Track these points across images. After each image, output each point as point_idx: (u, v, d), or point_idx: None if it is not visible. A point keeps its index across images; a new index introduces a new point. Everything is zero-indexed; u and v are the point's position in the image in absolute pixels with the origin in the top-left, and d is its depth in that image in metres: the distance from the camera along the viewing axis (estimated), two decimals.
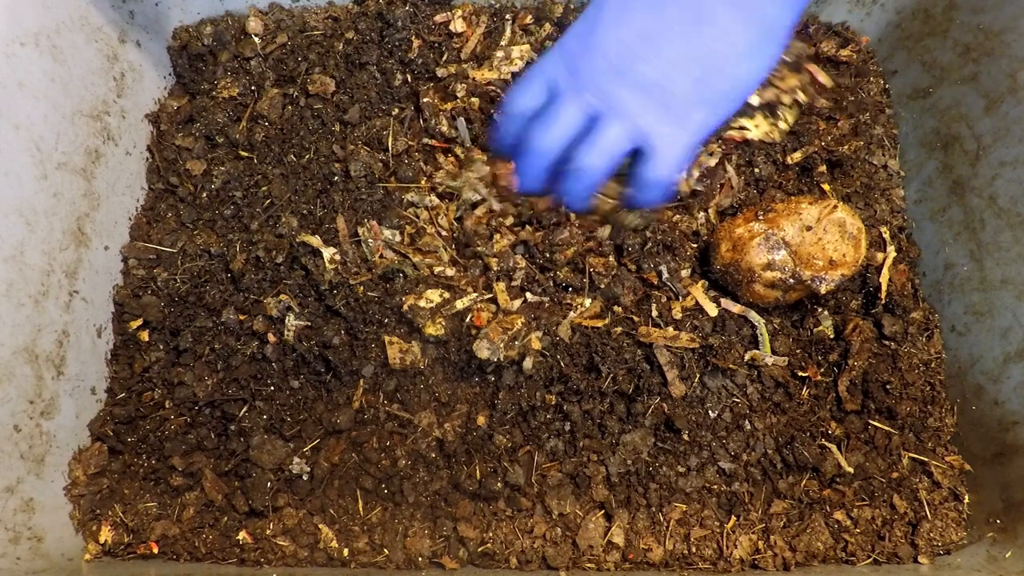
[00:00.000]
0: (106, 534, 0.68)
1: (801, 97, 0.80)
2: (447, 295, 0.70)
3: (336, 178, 0.76)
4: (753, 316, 0.71)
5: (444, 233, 0.74)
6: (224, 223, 0.77)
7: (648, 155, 0.58)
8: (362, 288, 0.70)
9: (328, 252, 0.71)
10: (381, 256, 0.72)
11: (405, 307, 0.69)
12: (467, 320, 0.69)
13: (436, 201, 0.74)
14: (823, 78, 0.81)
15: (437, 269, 0.71)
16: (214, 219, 0.77)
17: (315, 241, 0.72)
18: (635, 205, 0.62)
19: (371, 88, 0.79)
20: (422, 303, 0.69)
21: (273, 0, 0.85)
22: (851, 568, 0.67)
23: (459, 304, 0.69)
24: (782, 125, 0.77)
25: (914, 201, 0.80)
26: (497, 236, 0.72)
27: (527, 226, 0.73)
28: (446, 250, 0.73)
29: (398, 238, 0.73)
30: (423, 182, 0.76)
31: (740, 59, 0.54)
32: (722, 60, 0.54)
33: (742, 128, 0.77)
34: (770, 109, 0.78)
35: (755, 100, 0.78)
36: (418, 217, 0.74)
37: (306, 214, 0.75)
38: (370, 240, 0.72)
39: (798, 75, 0.81)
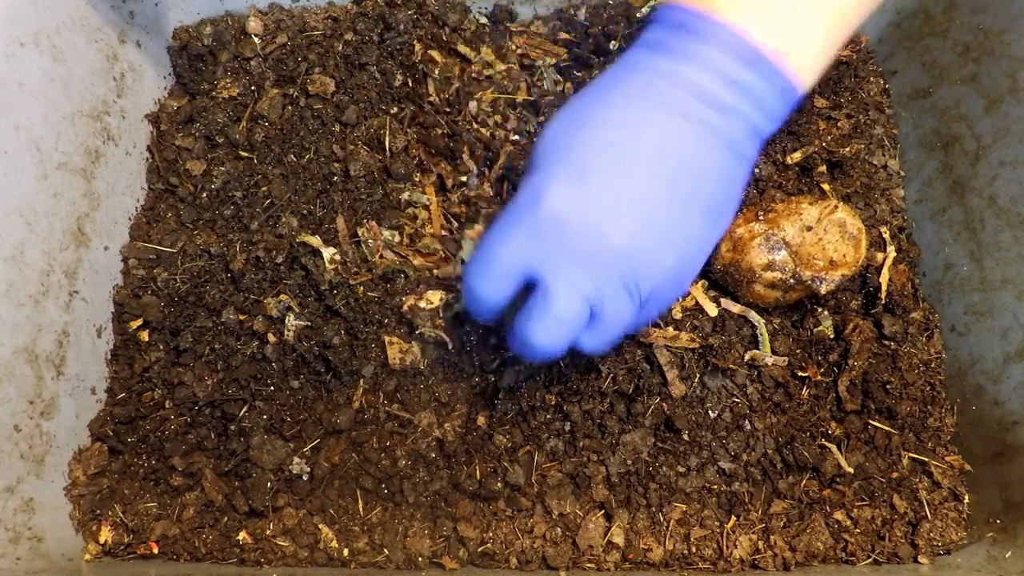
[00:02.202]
0: (106, 534, 0.68)
1: None
2: (448, 296, 0.70)
3: (336, 178, 0.76)
4: (753, 316, 0.71)
5: (444, 234, 0.74)
6: (224, 223, 0.77)
7: (588, 327, 0.50)
8: (362, 288, 0.70)
9: (328, 252, 0.71)
10: (381, 256, 0.72)
11: (405, 308, 0.69)
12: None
13: (433, 199, 0.74)
14: None
15: (437, 271, 0.71)
16: (214, 219, 0.77)
17: (315, 241, 0.72)
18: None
19: (371, 88, 0.79)
20: (423, 304, 0.69)
21: (273, 0, 0.86)
22: (851, 568, 0.67)
23: (458, 306, 0.69)
24: None
25: (914, 201, 0.80)
26: None
27: None
28: (445, 251, 0.73)
29: (397, 239, 0.73)
30: (419, 177, 0.75)
31: (727, 212, 0.50)
32: (712, 202, 0.49)
33: None
34: None
35: None
36: (416, 218, 0.74)
37: (306, 214, 0.75)
38: (370, 241, 0.72)
39: None
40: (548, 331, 0.48)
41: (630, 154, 0.47)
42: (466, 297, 0.51)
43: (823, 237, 0.67)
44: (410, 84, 0.80)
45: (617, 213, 0.47)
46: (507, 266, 0.48)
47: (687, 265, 0.50)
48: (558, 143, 0.49)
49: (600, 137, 0.48)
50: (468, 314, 0.59)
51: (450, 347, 0.69)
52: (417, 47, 0.81)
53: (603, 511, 0.68)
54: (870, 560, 0.67)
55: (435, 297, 0.69)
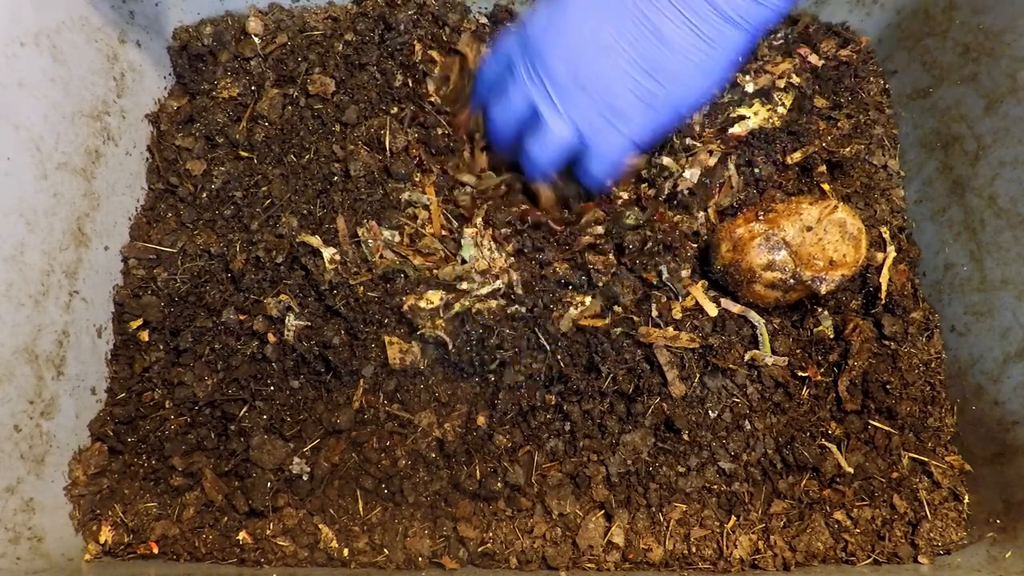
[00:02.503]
0: (106, 534, 0.68)
1: (795, 80, 0.80)
2: (448, 296, 0.70)
3: (336, 178, 0.76)
4: (753, 316, 0.71)
5: (444, 234, 0.74)
6: (224, 223, 0.77)
7: (588, 152, 0.63)
8: (362, 288, 0.70)
9: (328, 252, 0.71)
10: (381, 256, 0.72)
11: (405, 308, 0.69)
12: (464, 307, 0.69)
13: (434, 199, 0.74)
14: (815, 60, 0.81)
15: (437, 271, 0.71)
16: (214, 219, 0.77)
17: (315, 241, 0.72)
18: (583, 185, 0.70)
19: (371, 88, 0.79)
20: (423, 304, 0.69)
21: (273, 0, 0.85)
22: (851, 568, 0.67)
23: (458, 306, 0.69)
24: (780, 110, 0.77)
25: (914, 201, 0.80)
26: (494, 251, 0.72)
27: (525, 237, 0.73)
28: (445, 251, 0.73)
29: (397, 239, 0.73)
30: (419, 177, 0.75)
31: (690, 77, 0.57)
32: (666, 76, 0.57)
33: (742, 118, 0.77)
34: (766, 95, 0.78)
35: (750, 87, 0.78)
36: (416, 218, 0.74)
37: (306, 214, 0.75)
38: (370, 241, 0.72)
39: (789, 59, 0.81)
40: (503, 116, 0.66)
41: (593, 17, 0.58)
42: (477, 82, 0.69)
43: (823, 237, 0.67)
44: (410, 84, 0.80)
45: (560, 51, 0.59)
46: (499, 53, 0.66)
47: (654, 98, 0.60)
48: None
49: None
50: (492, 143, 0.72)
51: (451, 347, 0.69)
52: (417, 47, 0.81)
53: (603, 511, 0.68)
54: (870, 560, 0.67)
55: (435, 297, 0.69)
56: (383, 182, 0.75)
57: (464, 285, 0.70)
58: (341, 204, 0.75)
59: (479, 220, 0.73)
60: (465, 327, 0.69)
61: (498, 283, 0.70)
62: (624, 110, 0.59)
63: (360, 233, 0.72)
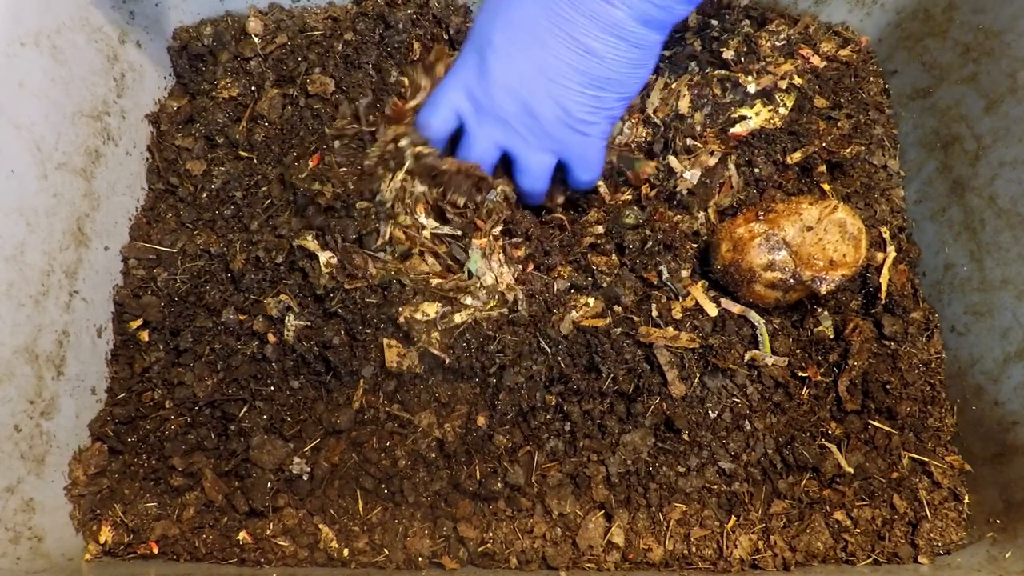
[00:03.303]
0: (106, 534, 0.68)
1: (797, 81, 0.80)
2: (445, 309, 0.69)
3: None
4: (753, 316, 0.71)
5: (444, 248, 0.73)
6: (224, 223, 0.77)
7: (572, 165, 0.68)
8: (359, 294, 0.69)
9: (324, 256, 0.71)
10: (375, 267, 0.71)
11: (401, 319, 0.68)
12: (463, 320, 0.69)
13: (425, 222, 0.72)
14: (816, 61, 0.81)
15: (434, 282, 0.70)
16: (214, 219, 0.77)
17: (312, 245, 0.71)
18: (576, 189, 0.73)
19: (369, 88, 0.79)
20: (419, 316, 0.68)
21: (273, 0, 0.86)
22: (851, 568, 0.67)
23: (457, 318, 0.69)
24: (782, 111, 0.77)
25: (914, 201, 0.80)
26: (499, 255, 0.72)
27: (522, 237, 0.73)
28: (447, 259, 0.72)
29: (387, 256, 0.71)
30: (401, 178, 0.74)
31: (625, 78, 0.63)
32: (610, 82, 0.62)
33: (743, 118, 0.77)
34: (768, 96, 0.78)
35: (752, 88, 0.78)
36: (405, 232, 0.72)
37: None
38: (355, 258, 0.71)
39: (791, 60, 0.81)
40: (473, 155, 0.68)
41: (526, 39, 0.62)
42: (418, 126, 0.69)
43: (823, 237, 0.67)
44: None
45: (503, 85, 0.63)
46: (440, 104, 0.67)
47: (574, 124, 0.65)
48: (484, 15, 0.65)
49: (511, 17, 0.62)
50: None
51: (447, 362, 0.68)
52: (416, 47, 0.81)
53: (603, 511, 0.68)
54: (870, 560, 0.67)
55: (431, 309, 0.69)
56: (371, 197, 0.74)
57: (468, 300, 0.70)
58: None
59: (495, 229, 0.72)
60: (465, 335, 0.69)
61: (504, 308, 0.70)
62: (585, 119, 0.64)
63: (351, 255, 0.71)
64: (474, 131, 0.67)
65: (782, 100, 0.78)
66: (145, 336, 0.74)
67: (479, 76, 0.64)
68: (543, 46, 0.61)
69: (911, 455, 0.70)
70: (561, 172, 0.70)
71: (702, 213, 0.76)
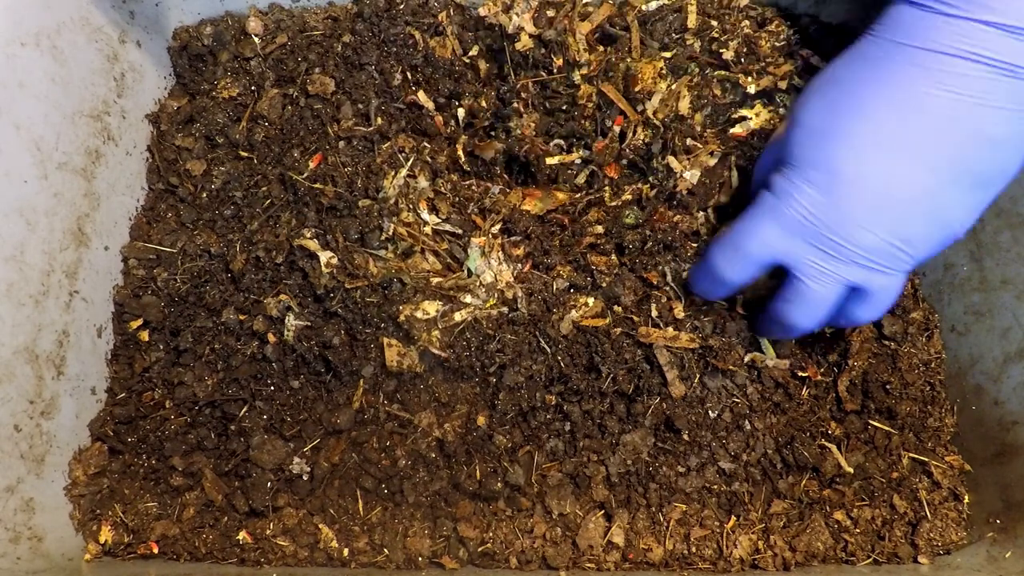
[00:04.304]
0: (106, 534, 0.68)
1: (797, 82, 0.80)
2: (445, 307, 0.69)
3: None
4: None
5: (444, 246, 0.73)
6: (224, 223, 0.77)
7: (858, 297, 0.55)
8: (359, 293, 0.70)
9: (325, 256, 0.71)
10: (376, 266, 0.71)
11: (401, 318, 0.68)
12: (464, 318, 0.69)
13: (427, 218, 0.73)
14: (816, 62, 0.81)
15: (434, 280, 0.70)
16: (214, 219, 0.77)
17: (312, 244, 0.71)
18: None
19: (370, 88, 0.79)
20: (419, 314, 0.68)
21: (273, 0, 0.86)
22: (851, 568, 0.67)
23: (457, 316, 0.69)
24: (782, 111, 0.77)
25: None
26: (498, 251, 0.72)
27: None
28: (447, 258, 0.72)
29: (388, 255, 0.72)
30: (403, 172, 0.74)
31: (1010, 169, 0.48)
32: (996, 178, 0.49)
33: (743, 119, 0.77)
34: (768, 97, 0.78)
35: (752, 88, 0.78)
36: (407, 229, 0.73)
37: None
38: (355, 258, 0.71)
39: (792, 60, 0.81)
40: (805, 313, 0.57)
41: (886, 149, 0.49)
42: (704, 275, 0.61)
43: None
44: (410, 81, 0.80)
45: (866, 219, 0.50)
46: (754, 255, 0.56)
47: (949, 239, 0.52)
48: (812, 136, 0.52)
49: (857, 130, 0.50)
50: (694, 288, 0.64)
51: (447, 362, 0.68)
52: (417, 36, 0.80)
53: (603, 511, 0.68)
54: (870, 560, 0.67)
55: (432, 307, 0.69)
56: (369, 197, 0.74)
57: (468, 298, 0.70)
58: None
59: (495, 228, 0.72)
60: (465, 334, 0.69)
61: (504, 307, 0.70)
62: (913, 237, 0.50)
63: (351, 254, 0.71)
64: (805, 275, 0.55)
65: (782, 101, 0.78)
66: (145, 336, 0.74)
67: (822, 204, 0.51)
68: (929, 146, 0.47)
69: (911, 455, 0.71)
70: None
71: (702, 213, 0.76)
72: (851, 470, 0.69)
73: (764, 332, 0.64)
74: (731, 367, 0.69)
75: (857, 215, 0.51)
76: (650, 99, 0.77)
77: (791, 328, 0.59)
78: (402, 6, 0.81)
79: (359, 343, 0.70)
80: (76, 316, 0.70)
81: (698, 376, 0.69)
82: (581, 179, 0.76)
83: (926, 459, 0.70)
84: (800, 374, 0.71)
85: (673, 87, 0.78)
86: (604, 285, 0.71)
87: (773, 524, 0.68)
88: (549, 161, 0.75)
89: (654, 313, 0.70)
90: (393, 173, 0.72)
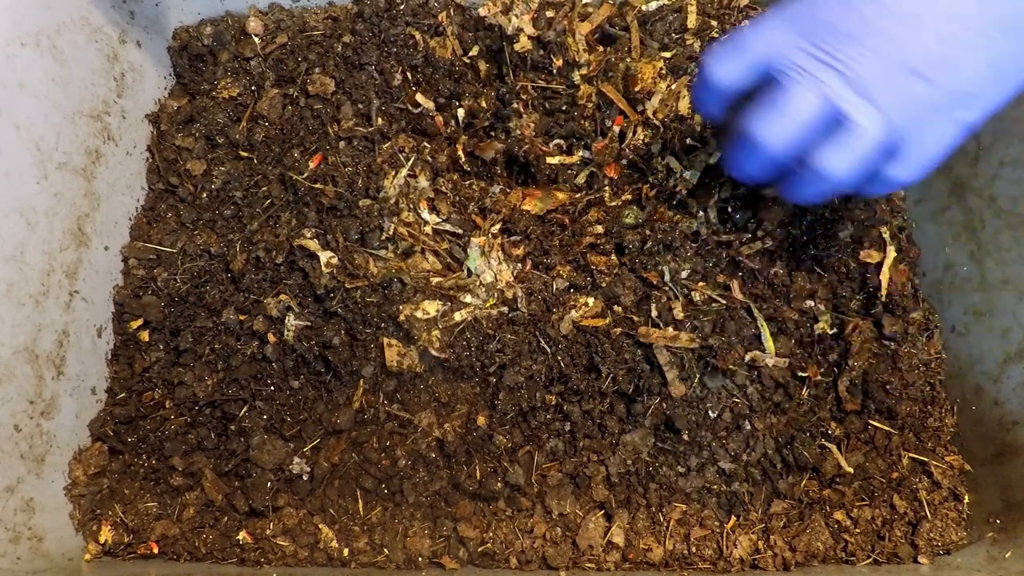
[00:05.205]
0: (106, 534, 0.68)
1: None
2: (445, 307, 0.69)
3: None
4: (756, 311, 0.71)
5: (444, 245, 0.73)
6: (224, 223, 0.77)
7: (899, 152, 0.47)
8: (359, 293, 0.70)
9: (325, 256, 0.71)
10: (376, 265, 0.71)
11: (401, 318, 0.68)
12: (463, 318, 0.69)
13: (427, 217, 0.73)
14: None
15: (434, 280, 0.70)
16: (214, 219, 0.77)
17: (312, 244, 0.71)
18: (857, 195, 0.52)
19: (370, 88, 0.79)
20: (419, 314, 0.68)
21: (273, 0, 0.86)
22: (851, 568, 0.67)
23: (457, 316, 0.69)
24: None
25: (914, 201, 0.80)
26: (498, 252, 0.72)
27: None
28: (447, 258, 0.72)
29: (388, 254, 0.72)
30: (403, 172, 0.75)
31: None
32: None
33: None
34: None
35: None
36: (408, 229, 0.73)
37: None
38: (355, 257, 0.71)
39: None
40: (773, 121, 0.46)
41: None
42: (699, 83, 0.51)
43: None
44: (410, 80, 0.80)
45: (916, 28, 0.42)
46: (750, 50, 0.47)
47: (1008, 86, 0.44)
48: None
49: None
50: (695, 102, 0.55)
51: (447, 363, 0.68)
52: (417, 36, 0.80)
53: (603, 511, 0.68)
54: (870, 560, 0.67)
55: (432, 307, 0.69)
56: (370, 197, 0.74)
57: (468, 298, 0.70)
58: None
59: (495, 228, 0.72)
60: (465, 334, 0.69)
61: (504, 307, 0.70)
62: (969, 88, 0.44)
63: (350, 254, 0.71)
64: (797, 80, 0.46)
65: None
66: (145, 336, 0.74)
67: (840, 15, 0.44)
68: None
69: (911, 455, 0.70)
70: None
71: (702, 213, 0.76)
72: (851, 470, 0.69)
73: (729, 161, 0.54)
74: (731, 367, 0.69)
75: (882, 24, 0.43)
76: (650, 99, 0.77)
77: (753, 144, 0.49)
78: (402, 6, 0.81)
79: (359, 343, 0.70)
80: (76, 316, 0.70)
81: (698, 376, 0.69)
82: (581, 179, 0.76)
83: (926, 459, 0.70)
84: (800, 374, 0.71)
85: (673, 87, 0.78)
86: (604, 285, 0.71)
87: (773, 524, 0.68)
88: (549, 161, 0.75)
89: (654, 313, 0.70)
90: (393, 173, 0.72)
